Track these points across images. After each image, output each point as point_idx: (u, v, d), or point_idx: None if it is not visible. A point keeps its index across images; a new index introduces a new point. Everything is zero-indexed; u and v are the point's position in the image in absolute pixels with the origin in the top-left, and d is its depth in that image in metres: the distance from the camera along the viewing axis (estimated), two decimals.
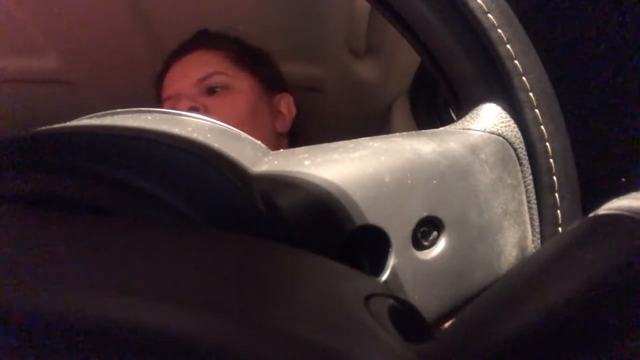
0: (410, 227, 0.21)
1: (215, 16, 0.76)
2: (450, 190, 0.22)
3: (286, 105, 0.79)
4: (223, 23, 0.76)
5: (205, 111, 0.69)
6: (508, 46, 0.25)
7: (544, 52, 0.26)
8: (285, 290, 0.13)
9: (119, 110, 0.22)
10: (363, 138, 0.23)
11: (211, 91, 0.72)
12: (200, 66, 0.73)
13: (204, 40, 0.76)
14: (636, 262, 0.14)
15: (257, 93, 0.74)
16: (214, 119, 0.22)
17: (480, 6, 0.25)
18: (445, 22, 0.26)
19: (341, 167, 0.20)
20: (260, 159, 0.20)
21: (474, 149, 0.24)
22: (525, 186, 0.25)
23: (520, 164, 0.25)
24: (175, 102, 0.72)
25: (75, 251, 0.13)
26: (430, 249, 0.21)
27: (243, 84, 0.73)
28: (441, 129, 0.26)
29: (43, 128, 0.19)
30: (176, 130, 0.19)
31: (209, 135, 0.19)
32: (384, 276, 0.20)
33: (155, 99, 0.79)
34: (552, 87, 0.26)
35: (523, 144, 0.25)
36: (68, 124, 0.21)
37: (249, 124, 0.70)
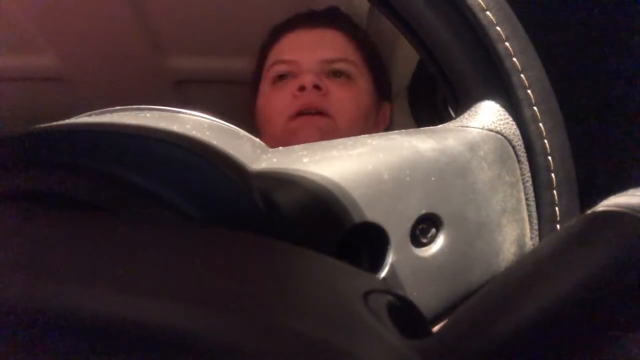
0: (408, 224, 0.21)
1: (214, 14, 0.75)
2: (449, 187, 0.22)
3: (384, 114, 0.73)
4: (221, 21, 0.75)
5: (327, 94, 0.63)
6: (507, 44, 0.25)
7: (542, 50, 0.26)
8: (284, 287, 0.13)
9: (117, 107, 0.22)
10: (362, 135, 0.23)
11: (334, 75, 0.65)
12: (333, 46, 0.66)
13: (340, 20, 0.69)
14: (634, 259, 0.14)
15: (373, 94, 0.69)
16: (215, 119, 0.22)
17: (479, 4, 0.25)
18: (443, 20, 0.26)
19: (340, 164, 0.20)
20: (259, 156, 0.20)
21: (472, 147, 0.24)
22: (523, 183, 0.25)
23: (519, 161, 0.25)
24: (294, 71, 0.65)
25: (75, 249, 0.13)
26: (429, 246, 0.21)
27: (364, 80, 0.67)
28: (440, 126, 0.26)
29: (41, 126, 0.19)
30: (175, 127, 0.19)
31: (207, 133, 0.19)
32: (383, 273, 0.20)
33: (260, 55, 0.72)
34: (550, 84, 0.26)
35: (521, 141, 0.25)
36: (66, 121, 0.21)
37: (360, 123, 0.65)
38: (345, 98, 0.64)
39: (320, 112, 0.62)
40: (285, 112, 0.63)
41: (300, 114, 0.62)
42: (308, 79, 0.62)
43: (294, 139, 0.62)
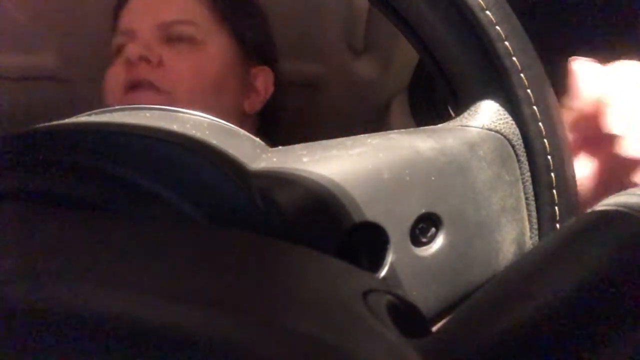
0: (408, 224, 0.21)
1: None
2: (449, 186, 0.22)
3: (263, 81, 0.63)
4: None
5: (159, 65, 0.54)
6: (506, 43, 0.25)
7: (542, 49, 0.26)
8: (283, 286, 0.13)
9: (117, 107, 0.22)
10: (361, 135, 0.23)
11: (174, 40, 0.56)
12: (167, 6, 0.57)
13: None
14: (633, 258, 0.14)
15: (231, 59, 0.59)
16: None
17: (479, 3, 0.25)
18: (443, 20, 0.26)
19: (339, 163, 0.20)
20: (258, 155, 0.20)
21: (472, 146, 0.24)
22: (523, 183, 0.25)
23: (518, 160, 0.25)
24: (127, 41, 0.57)
25: (75, 249, 0.13)
26: (429, 246, 0.21)
27: (216, 44, 0.57)
28: (439, 125, 0.26)
29: (41, 125, 0.19)
30: (174, 127, 0.19)
31: (207, 132, 0.19)
32: (383, 272, 0.20)
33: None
34: (550, 84, 0.26)
35: (521, 140, 0.25)
36: (66, 121, 0.21)
37: (210, 96, 0.56)
38: (183, 68, 0.55)
39: (154, 87, 0.53)
40: (116, 89, 0.55)
41: (131, 89, 0.54)
42: (132, 51, 0.54)
43: None
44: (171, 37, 0.56)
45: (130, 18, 0.58)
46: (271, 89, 0.64)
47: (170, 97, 0.53)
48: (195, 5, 0.58)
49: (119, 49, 0.58)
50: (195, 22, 0.57)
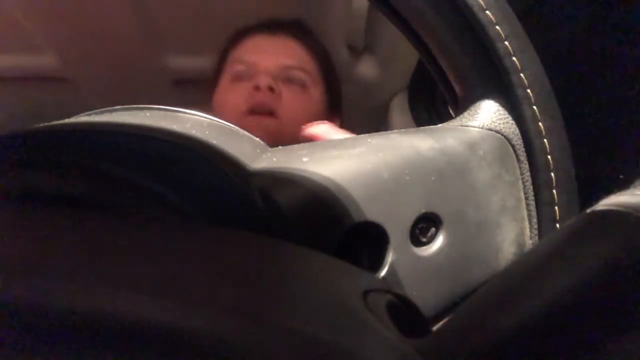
0: (408, 224, 0.21)
1: (215, 13, 0.75)
2: (448, 186, 0.22)
3: None
4: (223, 20, 0.75)
5: (280, 96, 0.67)
6: (506, 43, 0.25)
7: (542, 48, 0.26)
8: (283, 286, 0.13)
9: (117, 107, 0.22)
10: (361, 135, 0.23)
11: (290, 81, 0.69)
12: (292, 54, 0.71)
13: (300, 31, 0.74)
14: (634, 259, 0.14)
15: (323, 105, 0.73)
16: (214, 117, 0.22)
17: (479, 3, 0.25)
18: (443, 19, 0.26)
19: (339, 163, 0.20)
20: (258, 155, 0.20)
21: (472, 146, 0.24)
22: (523, 182, 0.25)
23: (518, 160, 0.25)
24: (252, 72, 0.69)
25: (75, 247, 0.13)
26: (429, 246, 0.21)
27: (316, 91, 0.72)
28: (439, 125, 0.26)
29: (42, 125, 0.19)
30: (175, 127, 0.19)
31: (207, 132, 0.19)
32: (383, 272, 0.20)
33: (219, 56, 0.76)
34: (550, 83, 0.26)
35: (521, 140, 0.25)
36: (66, 121, 0.21)
37: None
38: (296, 103, 0.68)
39: (270, 113, 0.66)
40: (238, 108, 0.67)
41: (251, 112, 0.66)
42: (263, 80, 0.66)
43: None
44: (288, 77, 0.69)
45: (253, 54, 0.71)
46: None
47: (280, 122, 0.66)
48: (308, 57, 0.72)
49: (238, 76, 0.71)
50: (307, 70, 0.71)
